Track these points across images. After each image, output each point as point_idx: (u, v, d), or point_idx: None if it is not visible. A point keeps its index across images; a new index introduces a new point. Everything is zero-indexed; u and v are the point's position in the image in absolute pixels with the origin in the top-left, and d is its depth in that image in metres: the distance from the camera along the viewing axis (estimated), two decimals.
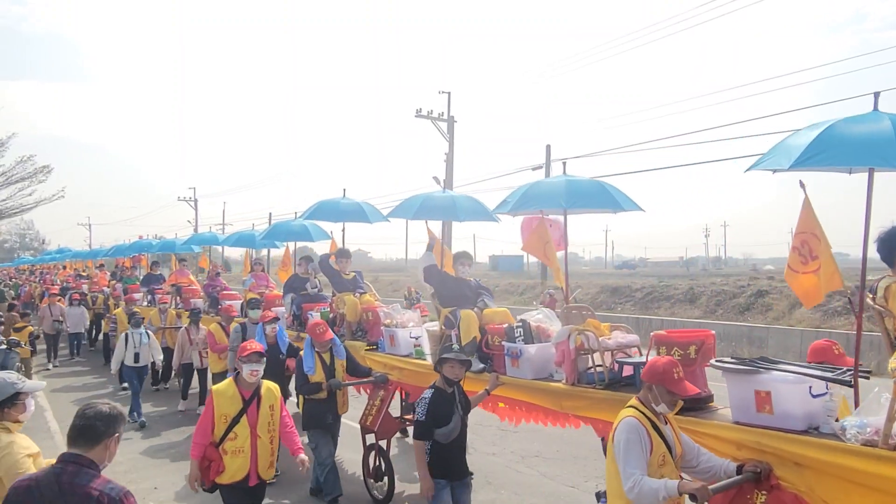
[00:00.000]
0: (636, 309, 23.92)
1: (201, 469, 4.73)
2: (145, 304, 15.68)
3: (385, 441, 6.88)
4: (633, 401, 3.70)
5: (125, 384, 12.76)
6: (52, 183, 47.43)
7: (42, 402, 10.96)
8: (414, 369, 6.72)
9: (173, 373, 12.28)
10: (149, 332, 10.20)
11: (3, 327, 11.85)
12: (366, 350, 7.60)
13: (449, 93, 25.32)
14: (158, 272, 16.74)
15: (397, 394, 7.51)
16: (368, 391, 7.24)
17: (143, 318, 10.87)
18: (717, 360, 4.06)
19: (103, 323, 17.08)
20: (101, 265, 24.17)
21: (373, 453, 6.86)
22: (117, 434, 2.83)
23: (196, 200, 52.12)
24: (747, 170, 4.01)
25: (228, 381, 4.96)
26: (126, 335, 9.73)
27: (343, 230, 9.18)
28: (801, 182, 3.75)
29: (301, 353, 6.63)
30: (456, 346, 5.01)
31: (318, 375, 6.46)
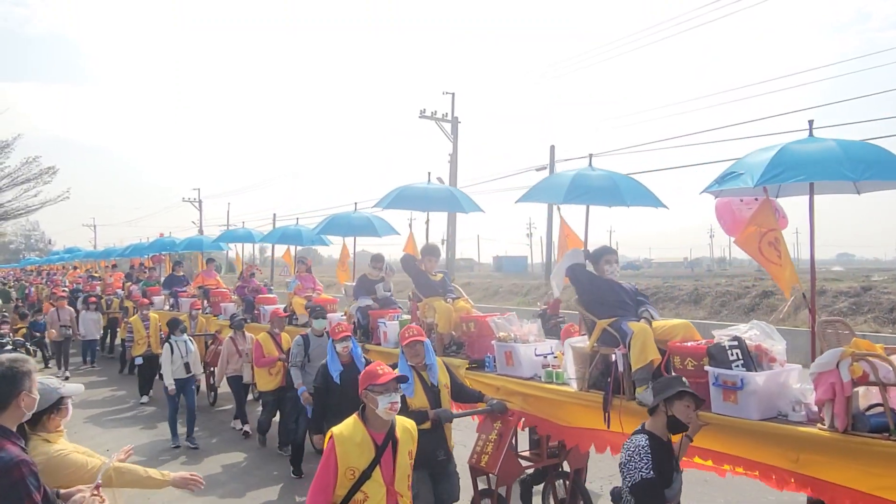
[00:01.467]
0: None
1: None
2: (167, 307, 14.37)
3: (505, 488, 5.39)
4: None
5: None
6: (56, 184, 46.75)
7: None
8: (546, 396, 5.25)
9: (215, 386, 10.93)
10: (191, 339, 8.75)
11: (8, 327, 10.79)
12: (467, 369, 6.13)
13: (453, 94, 25.10)
14: (181, 273, 15.33)
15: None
16: (479, 422, 5.75)
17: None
18: None
19: (119, 329, 15.73)
20: (114, 265, 22.80)
21: (488, 501, 5.38)
22: (24, 391, 2.67)
23: (200, 201, 51.60)
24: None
25: (353, 420, 3.48)
26: (170, 344, 8.28)
27: (427, 221, 7.66)
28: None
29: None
30: (682, 379, 3.51)
31: (418, 400, 4.94)
